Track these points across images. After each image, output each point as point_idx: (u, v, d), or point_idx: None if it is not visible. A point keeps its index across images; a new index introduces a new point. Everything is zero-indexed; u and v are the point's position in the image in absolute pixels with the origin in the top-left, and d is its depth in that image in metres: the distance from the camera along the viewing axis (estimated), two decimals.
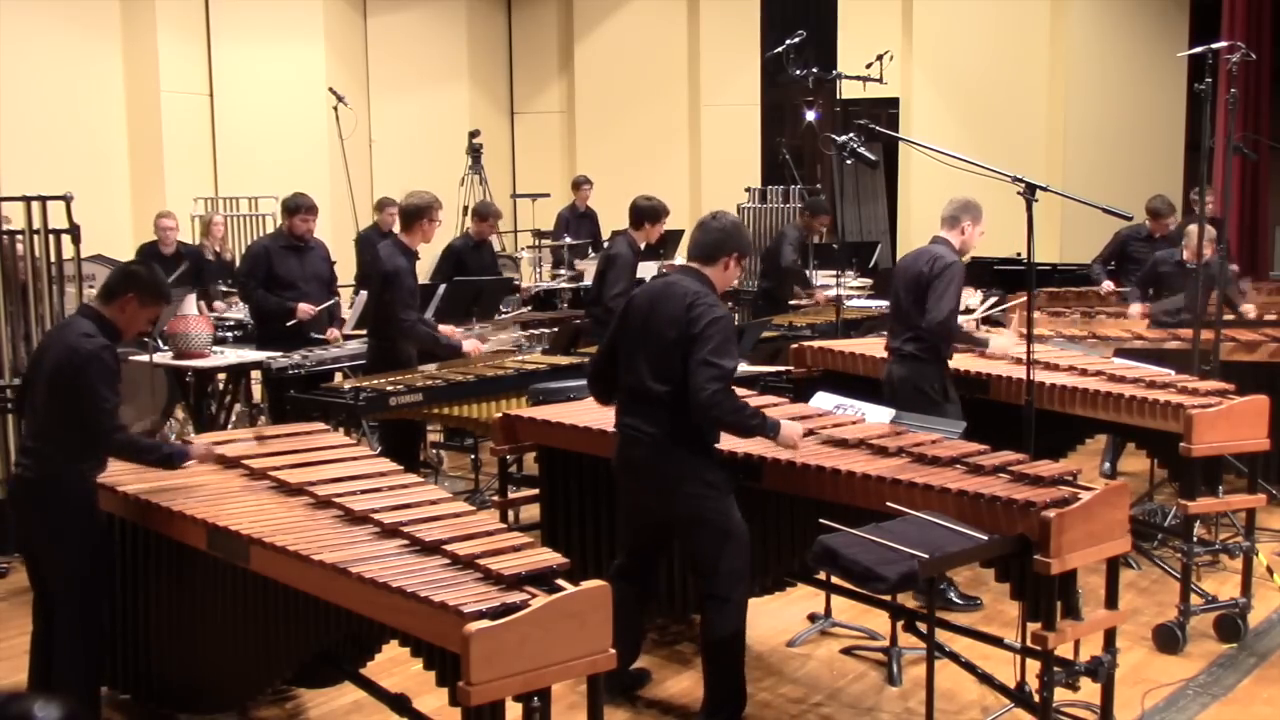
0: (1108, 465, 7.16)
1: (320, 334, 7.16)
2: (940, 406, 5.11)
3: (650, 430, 4.03)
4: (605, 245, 7.41)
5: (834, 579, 4.67)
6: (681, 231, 10.38)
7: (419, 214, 6.25)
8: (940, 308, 5.15)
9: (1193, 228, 7.08)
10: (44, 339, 4.42)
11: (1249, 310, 7.04)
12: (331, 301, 7.18)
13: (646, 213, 7.16)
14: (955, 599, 5.15)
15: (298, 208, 7.02)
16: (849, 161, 6.01)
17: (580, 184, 11.48)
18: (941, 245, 5.32)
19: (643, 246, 7.36)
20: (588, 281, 8.84)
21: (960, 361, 5.54)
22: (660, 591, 4.60)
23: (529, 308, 8.96)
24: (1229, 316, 7.14)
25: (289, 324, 6.93)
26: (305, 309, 6.96)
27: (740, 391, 4.61)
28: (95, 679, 4.04)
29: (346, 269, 10.05)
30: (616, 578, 4.27)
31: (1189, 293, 7.00)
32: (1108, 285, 8.29)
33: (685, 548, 4.23)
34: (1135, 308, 7.07)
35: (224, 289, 8.99)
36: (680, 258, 10.03)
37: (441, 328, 6.54)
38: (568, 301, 9.72)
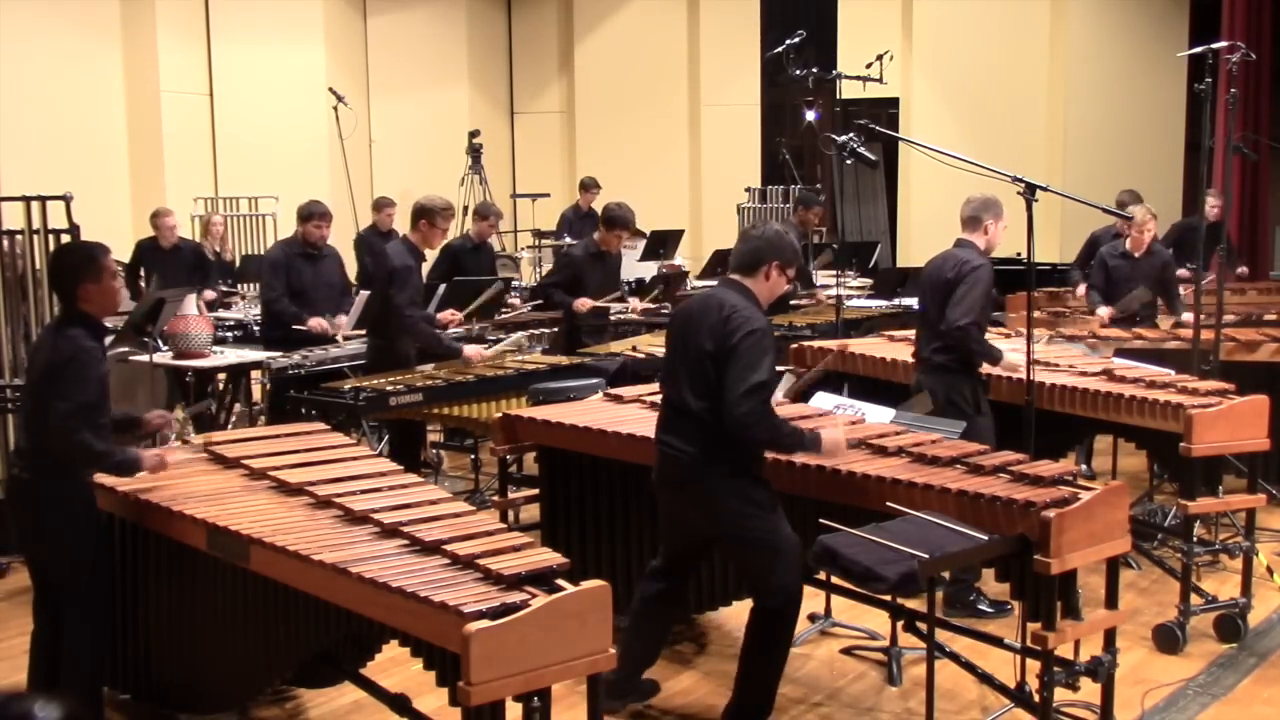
0: (1084, 466, 7.13)
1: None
2: (972, 419, 4.95)
3: (689, 449, 3.94)
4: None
5: (834, 579, 4.66)
6: (681, 231, 10.39)
7: (420, 214, 6.29)
8: (958, 311, 5.00)
9: (1135, 209, 7.06)
10: (35, 344, 4.40)
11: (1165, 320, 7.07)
12: (337, 325, 7.18)
13: (603, 217, 7.19)
14: (986, 608, 5.10)
15: (311, 214, 7.02)
16: (849, 161, 6.00)
17: (589, 186, 11.43)
18: (967, 249, 5.18)
19: (622, 251, 7.36)
20: None
21: None
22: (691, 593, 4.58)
23: (529, 307, 8.96)
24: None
25: (295, 327, 6.94)
26: (319, 323, 6.96)
27: None
28: (100, 679, 4.03)
29: (347, 269, 10.05)
30: (650, 579, 4.24)
31: (1139, 289, 7.03)
32: (1083, 288, 8.24)
33: (733, 565, 4.16)
34: (1102, 311, 7.04)
35: (224, 289, 9.00)
36: (680, 258, 10.06)
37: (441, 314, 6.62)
38: None
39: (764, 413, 3.81)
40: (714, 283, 9.13)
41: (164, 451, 4.18)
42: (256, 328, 7.48)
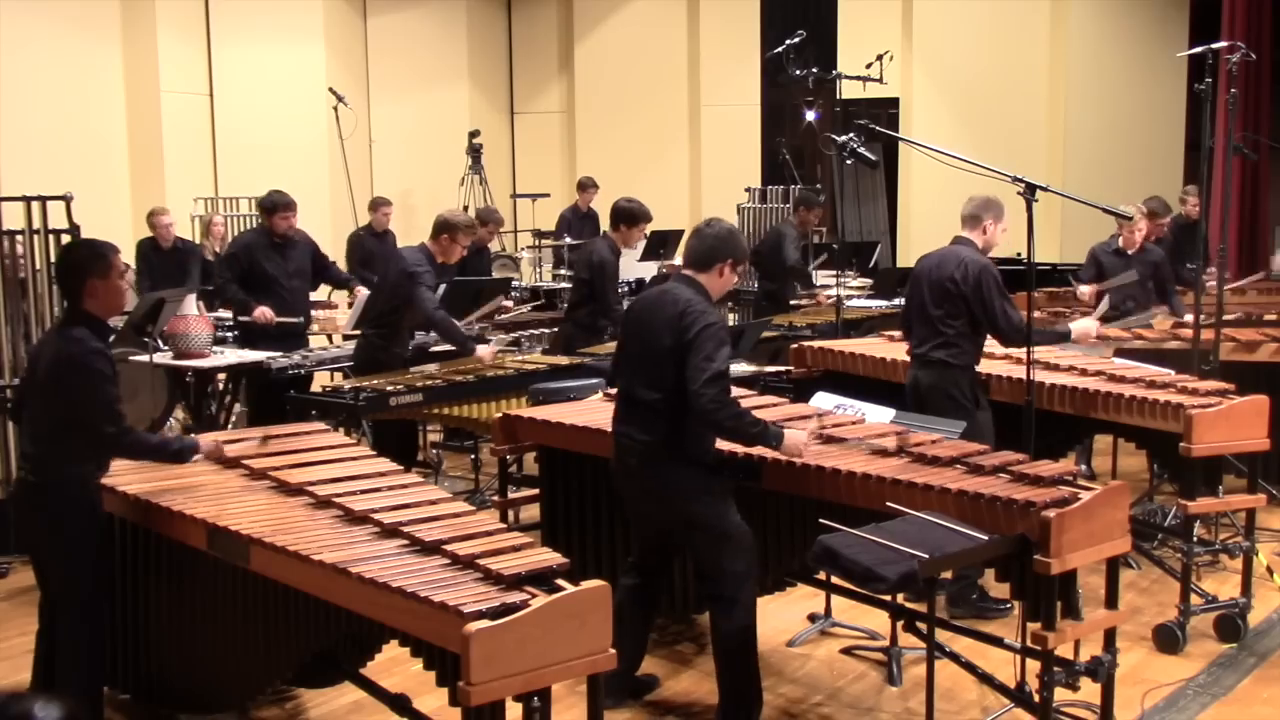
0: (1084, 466, 7.11)
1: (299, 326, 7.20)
2: (971, 415, 4.96)
3: (643, 438, 4.04)
4: (589, 252, 7.36)
5: (834, 579, 4.67)
6: (681, 231, 10.38)
7: (444, 228, 6.32)
8: (1009, 315, 4.99)
9: (1128, 209, 7.07)
10: (37, 345, 4.40)
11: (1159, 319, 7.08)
12: (298, 319, 7.17)
13: (624, 215, 7.12)
14: (988, 604, 5.09)
15: (275, 206, 7.01)
16: (849, 161, 6.00)
17: (586, 186, 11.46)
18: (966, 247, 5.17)
19: (622, 249, 7.31)
20: None
21: None
22: (666, 590, 4.58)
23: (529, 307, 8.98)
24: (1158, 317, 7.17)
25: (243, 320, 6.93)
26: (265, 314, 6.94)
27: (739, 391, 4.63)
28: (98, 680, 4.03)
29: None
30: (629, 574, 4.30)
31: (1130, 288, 7.04)
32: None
33: (688, 552, 4.22)
34: (1084, 289, 7.06)
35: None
36: (680, 258, 10.06)
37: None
38: (568, 303, 9.72)
39: (727, 400, 3.90)
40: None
41: (218, 440, 4.25)
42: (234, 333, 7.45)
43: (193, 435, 4.21)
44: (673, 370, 3.94)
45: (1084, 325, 5.37)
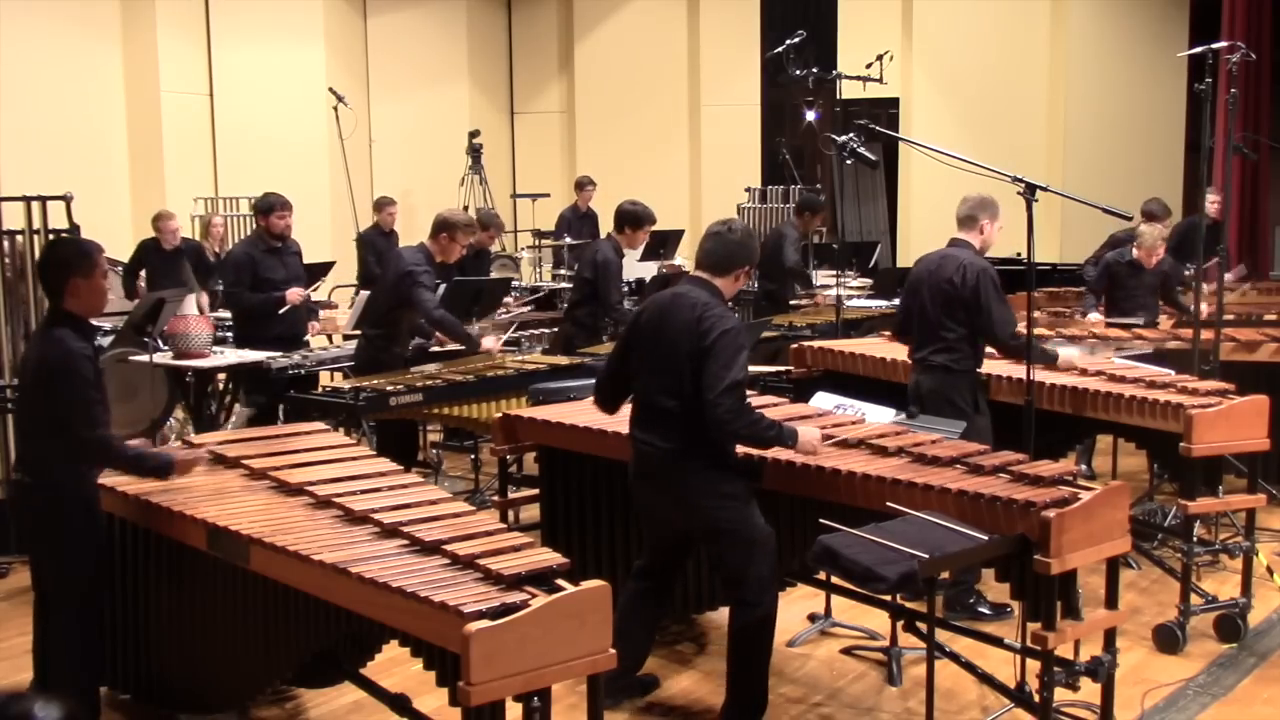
0: (1084, 466, 7.12)
1: (301, 330, 7.19)
2: (971, 419, 4.94)
3: (664, 445, 3.99)
4: (593, 251, 7.38)
5: (834, 579, 4.67)
6: (681, 231, 10.39)
7: (442, 227, 6.32)
8: (1005, 320, 4.99)
9: (1144, 228, 7.13)
10: (28, 346, 4.37)
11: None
12: (315, 287, 7.17)
13: (628, 217, 7.14)
14: (985, 610, 5.09)
15: (272, 206, 7.00)
16: (849, 161, 6.00)
17: (584, 185, 11.48)
18: (963, 249, 5.15)
19: (626, 251, 7.34)
20: None
21: None
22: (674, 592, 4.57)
23: (530, 307, 8.98)
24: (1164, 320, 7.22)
25: (282, 311, 6.93)
26: (296, 293, 6.98)
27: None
28: (95, 680, 4.03)
29: (348, 269, 10.06)
30: (637, 578, 4.27)
31: (1144, 299, 7.10)
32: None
33: (710, 557, 4.19)
34: (1093, 315, 7.09)
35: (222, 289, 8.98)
36: (680, 258, 10.07)
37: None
38: (569, 302, 9.73)
39: (743, 409, 3.86)
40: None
41: (193, 454, 4.10)
42: (230, 333, 7.43)
43: (168, 449, 4.07)
44: (691, 376, 3.89)
45: (1069, 354, 5.43)
